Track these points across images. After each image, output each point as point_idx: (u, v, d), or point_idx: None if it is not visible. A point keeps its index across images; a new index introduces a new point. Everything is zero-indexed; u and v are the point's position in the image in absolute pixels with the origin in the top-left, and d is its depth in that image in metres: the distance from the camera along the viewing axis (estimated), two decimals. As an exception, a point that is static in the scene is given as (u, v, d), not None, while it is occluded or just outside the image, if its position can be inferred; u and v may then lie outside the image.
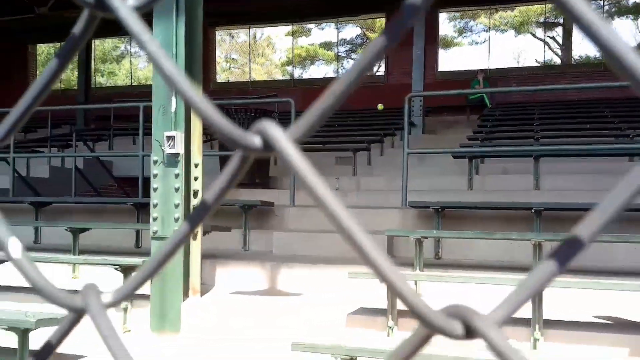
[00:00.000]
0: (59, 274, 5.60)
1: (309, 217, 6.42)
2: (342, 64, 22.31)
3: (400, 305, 4.38)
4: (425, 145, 9.98)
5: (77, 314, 0.37)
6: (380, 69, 17.14)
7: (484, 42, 18.97)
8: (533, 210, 5.76)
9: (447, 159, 8.23)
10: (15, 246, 0.35)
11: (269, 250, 6.14)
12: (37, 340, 3.80)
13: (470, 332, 0.25)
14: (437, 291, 4.65)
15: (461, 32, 22.23)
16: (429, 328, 0.26)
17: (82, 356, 3.92)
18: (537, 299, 3.98)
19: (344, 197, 7.13)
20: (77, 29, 0.34)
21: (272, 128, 0.30)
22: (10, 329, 3.61)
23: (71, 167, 9.25)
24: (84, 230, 6.04)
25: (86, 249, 5.92)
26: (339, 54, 22.31)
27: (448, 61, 22.71)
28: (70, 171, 9.19)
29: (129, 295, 0.35)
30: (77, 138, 10.96)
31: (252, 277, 5.28)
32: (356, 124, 12.19)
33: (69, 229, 6.09)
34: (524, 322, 4.04)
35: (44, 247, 6.51)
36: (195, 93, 0.31)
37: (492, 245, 5.74)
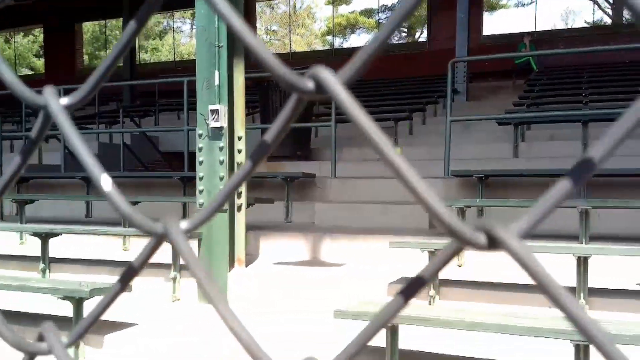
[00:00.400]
0: (111, 246, 5.84)
1: (350, 188, 6.46)
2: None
3: (442, 275, 4.39)
4: (469, 112, 9.79)
5: (158, 239, 0.41)
6: (422, 35, 16.77)
7: (531, 3, 18.29)
8: (580, 177, 5.61)
9: (492, 126, 8.07)
10: (106, 181, 0.40)
11: (311, 221, 6.22)
12: (91, 309, 4.00)
13: (493, 243, 0.28)
14: (480, 261, 4.63)
15: (506, -7, 21.48)
16: (457, 239, 0.29)
17: (133, 324, 4.11)
18: (582, 267, 3.92)
19: (385, 168, 7.12)
20: None
21: (323, 72, 0.33)
22: (65, 298, 3.80)
23: (119, 143, 9.53)
24: (133, 203, 6.25)
25: (136, 221, 6.12)
26: (380, 21, 21.93)
27: (493, 25, 21.99)
28: (118, 147, 9.47)
29: (204, 222, 0.39)
30: (124, 114, 11.25)
31: (294, 248, 5.37)
32: (398, 93, 12.04)
33: (119, 203, 6.30)
34: (569, 290, 4.00)
35: (95, 221, 6.77)
36: (256, 39, 0.34)
37: (538, 214, 5.64)
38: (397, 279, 4.66)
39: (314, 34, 29.60)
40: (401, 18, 0.31)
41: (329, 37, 24.07)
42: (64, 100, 0.44)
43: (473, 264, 4.70)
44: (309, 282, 4.79)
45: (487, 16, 17.20)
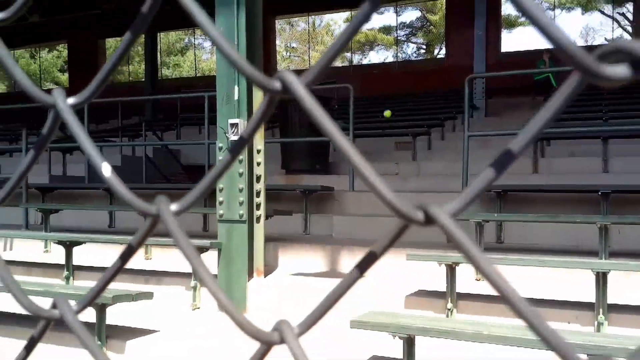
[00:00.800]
0: (134, 255, 5.93)
1: (368, 202, 6.50)
2: (402, 47, 22.11)
3: (459, 288, 4.41)
4: (488, 128, 9.80)
5: (153, 220, 0.46)
6: (441, 52, 16.86)
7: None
8: (600, 193, 5.60)
9: (511, 141, 8.07)
10: (106, 168, 0.46)
11: (329, 234, 6.27)
12: (113, 315, 4.08)
13: (429, 220, 0.34)
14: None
15: (525, 11, 21.44)
16: (400, 216, 0.34)
17: (155, 330, 4.18)
18: (600, 282, 3.92)
19: (404, 182, 7.17)
20: (146, 7, 0.44)
21: (288, 74, 0.39)
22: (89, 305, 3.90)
23: (141, 155, 9.71)
24: (154, 214, 6.36)
25: (157, 232, 6.22)
26: (399, 37, 22.08)
27: (512, 41, 22.03)
28: (140, 159, 9.65)
29: (192, 205, 0.44)
30: (146, 128, 11.46)
31: (312, 260, 5.42)
32: (416, 108, 12.10)
33: (141, 213, 6.44)
34: (588, 306, 3.99)
35: (118, 231, 6.90)
36: (231, 47, 0.41)
37: (556, 230, 5.63)
38: (414, 292, 4.68)
39: (333, 50, 29.84)
40: (354, 29, 0.38)
41: (348, 54, 24.28)
42: (71, 100, 0.49)
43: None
44: (327, 292, 4.82)
45: (505, 33, 17.23)
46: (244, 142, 0.43)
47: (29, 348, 0.48)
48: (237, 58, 0.40)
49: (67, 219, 7.21)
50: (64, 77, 27.74)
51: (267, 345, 0.42)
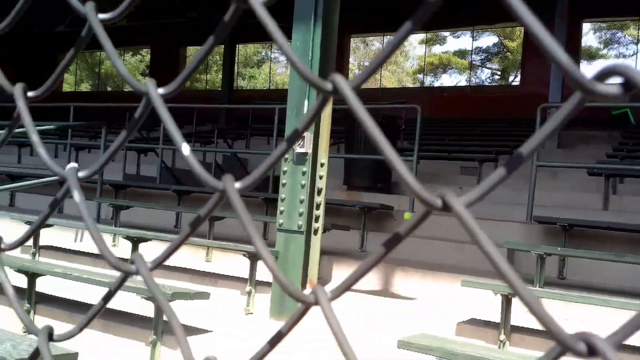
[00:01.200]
0: (195, 256, 6.17)
1: (427, 224, 6.43)
2: (476, 72, 21.81)
3: (514, 320, 4.31)
4: (559, 160, 9.52)
5: (219, 195, 0.52)
6: (516, 79, 16.53)
7: (633, 55, 17.60)
8: (672, 235, 5.34)
9: (582, 175, 7.82)
10: (185, 148, 0.54)
11: (386, 252, 6.27)
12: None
13: (446, 207, 0.38)
14: (556, 307, 4.51)
15: (607, 43, 20.78)
16: (421, 202, 0.39)
17: (208, 330, 4.33)
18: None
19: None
20: (227, 16, 0.52)
21: (339, 77, 0.44)
22: (149, 298, 4.08)
23: (211, 161, 10.05)
24: (218, 218, 6.59)
25: (219, 236, 6.45)
26: (473, 62, 21.81)
27: (591, 74, 21.26)
28: (210, 165, 9.99)
29: (251, 186, 0.50)
30: (218, 135, 11.86)
31: (366, 278, 5.43)
32: (486, 134, 11.90)
33: (204, 217, 6.68)
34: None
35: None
36: (291, 50, 0.47)
37: (623, 269, 5.40)
38: (467, 320, 4.62)
39: (405, 71, 29.81)
40: (401, 39, 0.43)
41: (420, 76, 24.18)
42: (161, 90, 0.58)
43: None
44: (377, 312, 4.84)
45: (584, 64, 16.69)
46: (298, 134, 0.49)
47: (106, 299, 0.55)
48: (296, 60, 0.47)
49: (137, 216, 7.56)
50: (145, 80, 29.00)
51: (304, 305, 0.48)
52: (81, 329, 0.57)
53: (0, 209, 8.13)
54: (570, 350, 0.34)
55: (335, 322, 0.43)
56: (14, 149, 11.82)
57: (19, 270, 4.54)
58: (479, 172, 8.73)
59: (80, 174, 0.56)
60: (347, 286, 0.45)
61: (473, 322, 4.60)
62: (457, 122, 13.08)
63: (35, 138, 0.59)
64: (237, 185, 0.50)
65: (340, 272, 5.56)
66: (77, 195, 0.54)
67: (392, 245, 0.43)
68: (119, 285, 0.55)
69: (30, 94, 0.59)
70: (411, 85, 24.81)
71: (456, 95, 17.07)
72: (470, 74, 21.33)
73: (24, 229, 6.29)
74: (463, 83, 22.03)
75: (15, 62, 19.89)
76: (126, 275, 0.55)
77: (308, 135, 4.98)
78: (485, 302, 4.58)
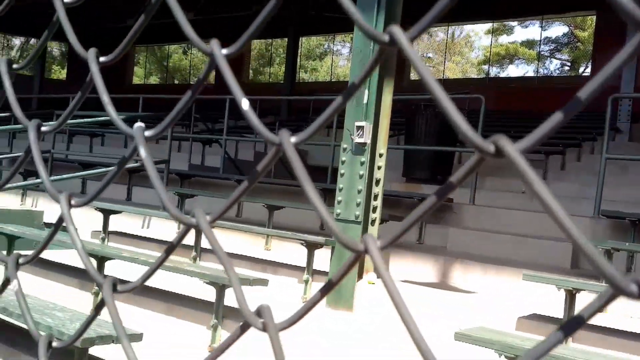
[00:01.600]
0: (255, 244, 6.30)
1: (488, 217, 6.34)
2: (544, 63, 21.05)
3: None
4: (630, 153, 9.08)
5: (277, 148, 0.52)
6: (586, 70, 15.85)
7: None
8: None
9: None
10: (245, 103, 0.54)
11: (443, 245, 6.20)
12: (230, 296, 4.38)
13: (499, 153, 0.37)
14: (624, 306, 4.34)
15: None
16: (474, 147, 0.38)
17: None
18: None
19: (529, 201, 6.88)
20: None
21: (396, 29, 0.44)
22: (210, 283, 4.21)
23: (271, 152, 10.21)
24: (278, 208, 6.71)
25: (278, 225, 6.57)
26: (542, 52, 21.05)
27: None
28: (270, 156, 10.15)
29: (307, 138, 0.50)
30: (279, 127, 12.01)
31: (423, 269, 5.41)
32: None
33: (266, 206, 6.83)
34: None
35: (243, 220, 7.34)
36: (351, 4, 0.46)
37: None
38: (528, 315, 4.51)
39: (470, 62, 29.15)
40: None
41: (485, 66, 23.60)
42: (225, 50, 0.58)
43: (614, 310, 4.41)
44: (434, 304, 4.80)
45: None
46: (355, 88, 0.49)
47: (168, 251, 0.58)
48: (354, 11, 0.46)
49: (200, 205, 7.79)
50: (211, 74, 29.73)
51: (355, 253, 0.48)
52: (143, 282, 0.62)
53: (72, 196, 8.58)
54: (622, 293, 0.35)
55: (388, 276, 0.44)
56: (85, 139, 12.41)
57: (90, 254, 4.80)
58: (545, 165, 8.45)
59: (147, 132, 0.60)
60: (396, 237, 0.46)
61: (534, 317, 4.49)
62: (522, 114, 12.69)
63: (105, 98, 0.64)
64: (293, 139, 0.52)
65: (398, 263, 5.54)
66: (143, 151, 0.59)
67: (444, 193, 0.43)
68: (181, 238, 0.58)
69: (102, 59, 0.64)
70: (475, 76, 24.24)
71: (523, 87, 16.55)
72: (538, 64, 20.59)
73: (94, 214, 6.61)
74: (530, 74, 21.32)
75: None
76: (187, 228, 0.58)
77: (367, 126, 4.98)
78: (547, 298, 4.45)
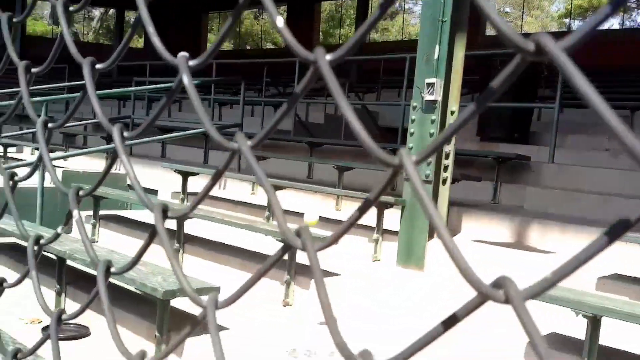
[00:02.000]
0: (325, 204, 6.37)
1: (569, 176, 6.06)
2: (631, 15, 19.61)
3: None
4: None
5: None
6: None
7: None
8: None
9: None
10: (280, 20, 0.53)
11: (520, 205, 6.00)
12: (302, 254, 4.47)
13: (540, 51, 0.34)
14: None
15: None
16: (513, 47, 0.35)
17: (337, 274, 4.49)
18: None
19: (613, 159, 6.51)
20: None
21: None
22: (282, 240, 4.31)
23: (342, 115, 10.20)
24: (348, 169, 6.72)
25: (349, 186, 6.58)
26: (628, 3, 19.58)
27: None
28: (341, 119, 10.13)
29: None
30: (349, 89, 11.94)
31: (498, 230, 5.27)
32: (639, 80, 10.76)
33: (336, 167, 6.86)
34: None
35: (314, 182, 7.41)
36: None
37: None
38: (609, 275, 4.32)
39: (550, 15, 27.57)
40: None
41: (566, 19, 22.27)
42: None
43: None
44: (509, 264, 4.69)
45: None
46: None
47: (215, 178, 0.59)
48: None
49: (273, 167, 7.92)
50: (280, 39, 29.85)
51: (391, 168, 0.44)
52: (192, 209, 0.63)
53: (153, 159, 8.96)
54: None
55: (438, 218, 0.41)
56: (164, 106, 12.82)
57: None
58: (631, 121, 7.95)
59: (191, 62, 0.61)
60: (431, 150, 0.44)
61: (616, 277, 4.30)
62: (607, 68, 11.92)
63: (152, 31, 0.65)
64: (329, 56, 0.50)
65: (470, 223, 5.43)
66: (186, 79, 0.59)
67: (486, 100, 0.40)
68: (227, 164, 0.58)
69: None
70: (557, 29, 22.92)
71: (607, 40, 15.50)
72: (623, 16, 19.20)
73: (173, 176, 6.88)
74: (616, 26, 19.91)
75: (165, 23, 21.35)
76: (232, 152, 0.58)
77: (438, 82, 4.84)
78: (631, 257, 4.24)
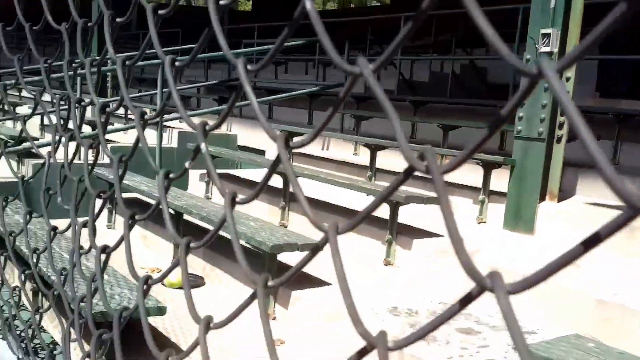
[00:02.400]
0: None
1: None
2: None
3: None
4: None
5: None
6: None
7: None
8: None
9: None
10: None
11: (643, 166, 5.55)
12: (404, 214, 4.45)
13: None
14: None
15: None
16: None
17: (440, 235, 4.43)
18: None
19: None
20: None
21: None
22: (387, 202, 4.32)
23: (448, 72, 9.86)
24: (453, 127, 6.53)
25: (454, 145, 6.41)
26: None
27: None
28: (447, 76, 9.81)
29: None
30: (456, 44, 11.49)
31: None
32: None
33: (440, 126, 6.69)
34: None
35: (418, 141, 7.29)
36: None
37: None
38: None
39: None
40: None
41: None
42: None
43: None
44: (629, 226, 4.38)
45: None
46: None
47: (335, 106, 0.60)
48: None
49: (376, 127, 7.88)
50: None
51: (530, 78, 0.41)
52: (312, 139, 0.66)
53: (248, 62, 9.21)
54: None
55: None
56: (270, 67, 13.09)
57: (277, 172, 5.17)
58: None
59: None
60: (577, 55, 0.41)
61: None
62: None
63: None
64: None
65: (586, 186, 5.11)
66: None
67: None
68: (348, 90, 0.59)
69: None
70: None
71: None
72: None
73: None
74: None
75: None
76: (354, 77, 0.59)
77: (554, 32, 4.53)
78: None
